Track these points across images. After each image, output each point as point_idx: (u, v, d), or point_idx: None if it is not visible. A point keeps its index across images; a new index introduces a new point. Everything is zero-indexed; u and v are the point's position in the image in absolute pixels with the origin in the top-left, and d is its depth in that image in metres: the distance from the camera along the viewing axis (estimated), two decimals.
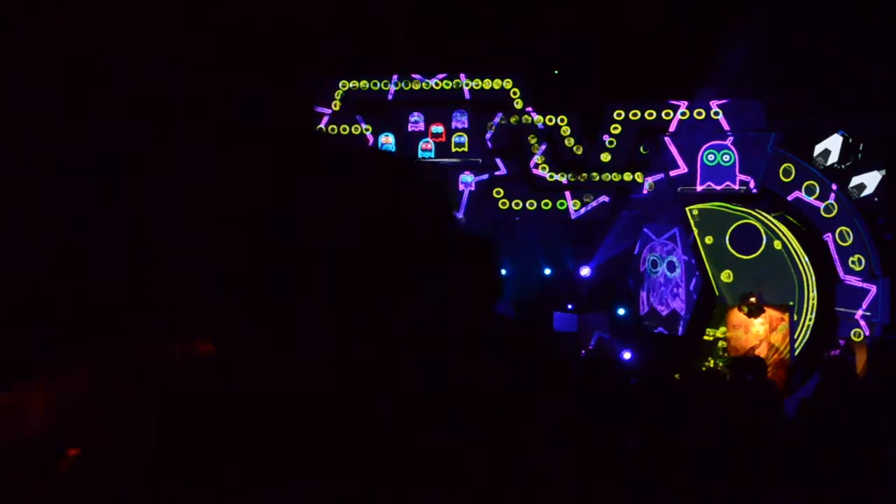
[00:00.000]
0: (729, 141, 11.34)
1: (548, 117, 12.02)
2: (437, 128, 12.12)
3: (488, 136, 12.14)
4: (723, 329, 10.87)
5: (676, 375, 7.74)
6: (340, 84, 12.35)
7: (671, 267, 11.62)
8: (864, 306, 10.58)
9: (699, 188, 11.34)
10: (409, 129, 12.17)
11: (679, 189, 11.50)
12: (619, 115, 11.84)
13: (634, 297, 12.20)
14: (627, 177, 11.79)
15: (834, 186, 10.82)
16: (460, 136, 12.10)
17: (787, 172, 11.04)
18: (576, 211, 11.97)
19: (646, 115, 11.80)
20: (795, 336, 10.63)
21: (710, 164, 11.33)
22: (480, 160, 12.10)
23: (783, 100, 11.62)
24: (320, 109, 12.34)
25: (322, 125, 12.29)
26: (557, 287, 13.41)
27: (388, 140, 12.18)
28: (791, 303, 10.73)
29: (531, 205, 12.00)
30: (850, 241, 10.74)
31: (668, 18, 12.64)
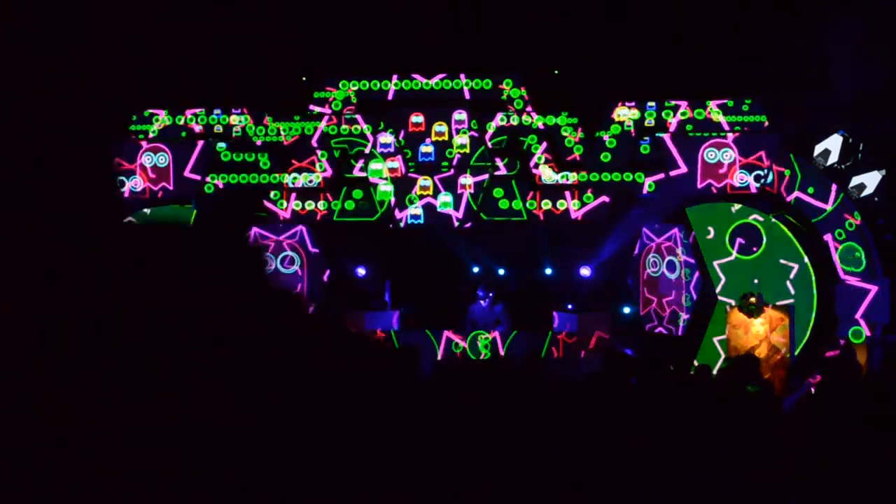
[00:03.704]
0: (730, 139, 11.35)
1: (548, 117, 12.03)
2: (441, 127, 12.13)
3: (488, 136, 12.15)
4: (722, 329, 10.87)
5: (675, 375, 7.74)
6: (340, 84, 12.36)
7: (671, 267, 11.63)
8: (864, 306, 10.58)
9: (699, 186, 11.34)
10: (411, 130, 12.18)
11: (679, 189, 11.50)
12: (619, 115, 11.84)
13: (634, 297, 12.22)
14: (627, 177, 11.79)
15: (834, 186, 10.83)
16: (462, 137, 12.11)
17: (787, 172, 11.05)
18: (576, 211, 11.97)
19: (646, 115, 11.80)
20: (795, 336, 10.63)
21: (711, 161, 11.34)
22: (480, 160, 12.11)
23: (783, 100, 11.63)
24: (320, 109, 12.35)
25: (323, 124, 12.29)
26: (557, 287, 13.43)
27: (387, 139, 12.18)
28: (791, 301, 10.74)
29: (531, 205, 12.00)
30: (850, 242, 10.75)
31: (669, 18, 12.64)
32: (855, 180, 10.79)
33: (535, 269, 13.67)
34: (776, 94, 11.69)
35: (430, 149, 12.15)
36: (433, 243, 13.00)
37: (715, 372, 9.54)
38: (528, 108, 12.11)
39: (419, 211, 12.12)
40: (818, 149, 10.94)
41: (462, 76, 12.26)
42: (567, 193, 11.99)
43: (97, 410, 1.31)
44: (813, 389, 9.60)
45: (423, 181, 12.12)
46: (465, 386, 6.81)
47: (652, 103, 11.81)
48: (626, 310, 12.39)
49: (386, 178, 12.14)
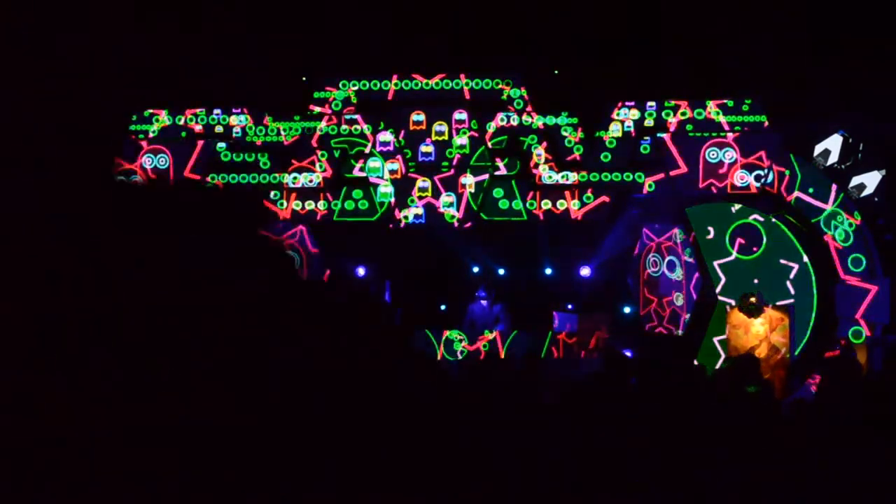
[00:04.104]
0: (730, 139, 11.35)
1: (548, 117, 12.03)
2: (441, 127, 12.13)
3: (488, 136, 12.15)
4: (722, 329, 10.86)
5: (675, 375, 7.73)
6: (340, 84, 12.36)
7: (671, 267, 11.63)
8: (865, 306, 10.58)
9: (701, 186, 11.33)
10: (412, 129, 12.18)
11: (679, 189, 11.49)
12: (619, 115, 11.84)
13: (634, 296, 12.21)
14: (627, 177, 11.79)
15: (834, 186, 10.82)
16: (461, 138, 12.11)
17: (787, 172, 11.05)
18: (576, 211, 11.97)
19: (646, 115, 11.80)
20: (795, 336, 10.62)
21: (713, 161, 11.33)
22: (480, 160, 12.11)
23: (783, 100, 11.63)
24: (320, 109, 12.35)
25: (323, 124, 12.29)
26: (557, 287, 13.43)
27: (387, 138, 12.18)
28: (791, 301, 10.73)
29: (531, 205, 12.00)
30: (850, 242, 10.75)
31: (669, 18, 12.65)
32: (855, 180, 10.78)
33: (535, 269, 13.67)
34: (776, 95, 11.69)
35: (430, 149, 12.15)
36: (433, 243, 13.00)
37: (714, 371, 9.53)
38: (528, 108, 12.11)
39: (420, 210, 12.13)
40: (818, 149, 10.93)
41: (462, 76, 12.25)
42: (567, 193, 11.98)
43: (97, 410, 1.31)
44: (813, 389, 9.60)
45: (422, 183, 12.12)
46: (465, 386, 6.81)
47: (652, 103, 11.81)
48: (626, 310, 12.39)
49: (386, 180, 12.14)
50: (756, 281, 10.85)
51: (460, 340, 11.83)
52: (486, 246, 13.53)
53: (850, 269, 10.76)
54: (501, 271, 13.84)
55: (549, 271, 13.43)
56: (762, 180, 11.15)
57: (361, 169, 12.27)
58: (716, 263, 11.08)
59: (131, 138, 12.30)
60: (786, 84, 11.89)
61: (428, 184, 12.10)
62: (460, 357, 11.48)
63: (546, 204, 11.98)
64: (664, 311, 11.73)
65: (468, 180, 12.04)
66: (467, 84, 12.23)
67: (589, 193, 11.93)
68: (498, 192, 12.07)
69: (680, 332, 11.44)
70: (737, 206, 11.13)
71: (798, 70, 11.88)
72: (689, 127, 11.67)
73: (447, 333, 11.85)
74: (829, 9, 11.73)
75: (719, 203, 11.26)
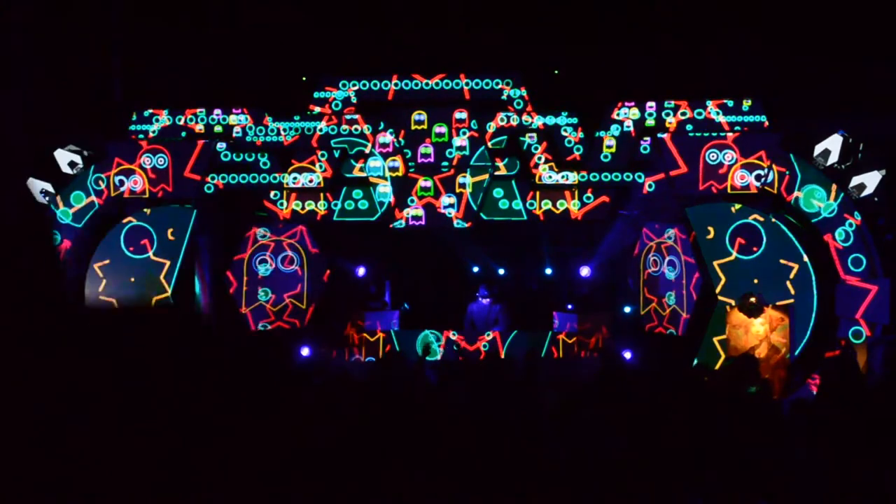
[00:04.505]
0: (730, 139, 11.34)
1: (548, 117, 12.03)
2: (441, 128, 12.13)
3: (488, 136, 12.15)
4: (722, 329, 10.86)
5: (673, 376, 7.74)
6: (340, 84, 12.36)
7: (671, 267, 11.63)
8: (865, 306, 10.57)
9: (701, 188, 11.32)
10: (413, 128, 12.18)
11: (679, 189, 11.49)
12: (619, 115, 11.84)
13: (634, 297, 12.21)
14: (627, 177, 11.79)
15: (834, 186, 10.82)
16: (461, 139, 12.10)
17: (787, 172, 11.04)
18: (576, 211, 11.97)
19: (646, 115, 11.80)
20: (795, 336, 10.61)
21: (713, 163, 11.33)
22: (480, 160, 12.10)
23: (783, 100, 11.62)
24: (320, 109, 12.35)
25: (323, 124, 12.29)
26: (557, 287, 13.43)
27: (386, 139, 12.18)
28: (791, 301, 10.73)
29: (531, 205, 12.00)
30: (850, 242, 10.75)
31: (668, 18, 12.65)
32: (855, 180, 10.78)
33: (535, 269, 13.67)
34: (776, 94, 11.69)
35: (429, 150, 12.15)
36: (433, 243, 13.01)
37: (714, 372, 9.53)
38: (528, 108, 12.11)
39: (420, 212, 12.13)
40: (818, 149, 10.93)
41: (462, 76, 12.25)
42: (567, 193, 11.98)
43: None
44: (813, 389, 9.60)
45: (424, 182, 12.13)
46: (464, 386, 6.81)
47: (652, 103, 11.81)
48: (627, 310, 12.39)
49: (386, 179, 12.15)
50: (756, 281, 10.85)
51: (456, 341, 11.79)
52: (486, 246, 13.54)
53: (850, 269, 10.75)
54: (501, 271, 13.85)
55: (549, 271, 13.43)
56: (762, 180, 11.14)
57: (361, 169, 12.27)
58: (716, 263, 11.08)
59: (131, 138, 12.31)
60: (785, 84, 11.89)
61: (430, 183, 12.10)
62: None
63: (546, 204, 11.99)
64: (664, 311, 11.74)
65: (466, 180, 12.05)
66: (467, 84, 12.24)
67: (589, 193, 11.94)
68: (498, 192, 12.07)
69: (679, 332, 11.44)
70: (737, 206, 11.13)
71: (798, 69, 11.88)
72: (689, 127, 11.67)
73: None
74: (830, 8, 11.73)
75: (719, 203, 11.25)
